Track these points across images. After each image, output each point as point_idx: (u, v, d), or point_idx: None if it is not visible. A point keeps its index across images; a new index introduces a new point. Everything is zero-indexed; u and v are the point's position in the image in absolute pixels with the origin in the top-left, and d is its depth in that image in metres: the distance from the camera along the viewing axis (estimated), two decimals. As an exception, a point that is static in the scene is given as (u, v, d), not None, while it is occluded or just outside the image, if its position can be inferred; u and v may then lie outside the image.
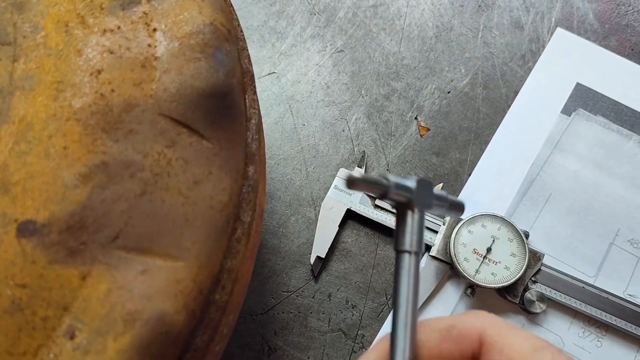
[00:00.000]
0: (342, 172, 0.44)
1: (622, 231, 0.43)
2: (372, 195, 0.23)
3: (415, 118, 0.47)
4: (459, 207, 0.26)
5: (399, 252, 0.22)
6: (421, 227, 0.22)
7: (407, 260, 0.22)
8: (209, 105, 0.25)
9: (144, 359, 0.22)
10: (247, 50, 0.29)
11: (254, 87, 0.29)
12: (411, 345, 0.21)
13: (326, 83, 0.48)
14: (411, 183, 0.22)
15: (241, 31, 0.29)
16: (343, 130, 0.46)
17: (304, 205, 0.44)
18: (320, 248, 0.42)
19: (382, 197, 0.22)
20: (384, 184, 0.21)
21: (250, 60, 0.29)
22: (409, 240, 0.22)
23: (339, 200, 0.43)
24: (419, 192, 0.22)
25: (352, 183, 0.21)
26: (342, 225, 0.43)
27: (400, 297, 0.22)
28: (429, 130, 0.46)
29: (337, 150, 0.46)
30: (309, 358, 0.40)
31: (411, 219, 0.22)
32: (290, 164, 0.45)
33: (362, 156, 0.45)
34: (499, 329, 0.20)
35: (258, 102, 0.31)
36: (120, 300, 0.22)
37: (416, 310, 0.22)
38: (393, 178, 0.22)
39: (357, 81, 0.48)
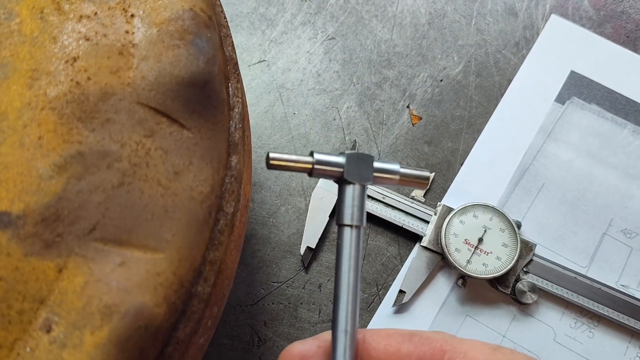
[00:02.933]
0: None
1: (615, 221, 0.42)
2: (298, 172, 0.24)
3: (407, 107, 0.46)
4: (418, 179, 0.24)
5: (339, 226, 0.23)
6: (362, 201, 0.23)
7: (348, 234, 0.23)
8: (189, 93, 0.24)
9: (122, 353, 0.22)
10: (231, 37, 0.28)
11: (238, 75, 0.28)
12: (352, 322, 0.22)
13: (317, 71, 0.47)
14: (341, 158, 0.23)
15: (225, 17, 0.28)
16: (334, 119, 0.46)
17: (294, 195, 0.44)
18: (310, 238, 0.42)
19: (309, 174, 0.23)
20: (307, 161, 0.23)
21: (234, 48, 0.28)
22: (349, 214, 0.23)
23: (329, 190, 0.43)
24: (350, 166, 0.23)
25: (270, 164, 0.22)
26: (333, 215, 0.42)
27: (342, 271, 0.23)
28: (421, 119, 0.46)
29: (328, 139, 0.45)
30: (298, 349, 0.40)
31: (350, 193, 0.23)
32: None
33: (354, 145, 0.44)
34: (458, 339, 0.23)
35: (243, 90, 0.30)
36: (98, 293, 0.22)
37: (357, 284, 0.23)
38: (319, 155, 0.23)
39: (349, 69, 0.47)
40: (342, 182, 0.23)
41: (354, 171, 0.23)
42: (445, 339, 0.22)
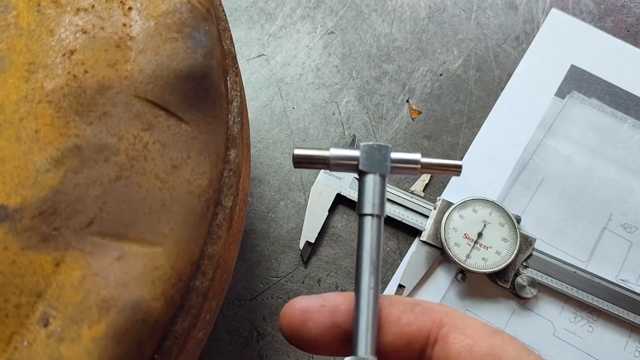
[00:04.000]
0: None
1: (615, 216, 0.42)
2: (320, 169, 0.25)
3: (407, 101, 0.46)
4: (446, 168, 0.24)
5: (360, 216, 0.23)
6: (382, 191, 0.23)
7: (369, 223, 0.23)
8: (187, 87, 0.24)
9: (120, 347, 0.22)
10: (229, 30, 0.28)
11: (237, 68, 0.28)
12: (374, 313, 0.22)
13: (316, 65, 0.47)
14: (355, 151, 0.23)
15: (223, 11, 0.28)
16: (333, 114, 0.45)
17: (293, 190, 0.44)
18: (309, 233, 0.42)
19: (327, 168, 0.24)
20: (325, 156, 0.23)
21: (232, 41, 0.28)
22: (369, 203, 0.23)
23: (328, 184, 0.42)
24: (365, 157, 0.23)
25: (297, 162, 0.23)
26: (332, 210, 0.42)
27: (363, 260, 0.23)
28: (421, 113, 0.45)
29: (327, 134, 0.45)
30: (297, 344, 0.40)
31: (370, 183, 0.23)
32: (280, 147, 0.45)
33: (353, 140, 0.44)
34: (460, 315, 0.22)
35: (241, 84, 0.30)
36: (95, 287, 0.22)
37: (378, 272, 0.23)
38: (335, 150, 0.23)
39: (348, 63, 0.47)
40: (360, 173, 0.24)
41: (368, 162, 0.23)
42: (447, 312, 0.22)
